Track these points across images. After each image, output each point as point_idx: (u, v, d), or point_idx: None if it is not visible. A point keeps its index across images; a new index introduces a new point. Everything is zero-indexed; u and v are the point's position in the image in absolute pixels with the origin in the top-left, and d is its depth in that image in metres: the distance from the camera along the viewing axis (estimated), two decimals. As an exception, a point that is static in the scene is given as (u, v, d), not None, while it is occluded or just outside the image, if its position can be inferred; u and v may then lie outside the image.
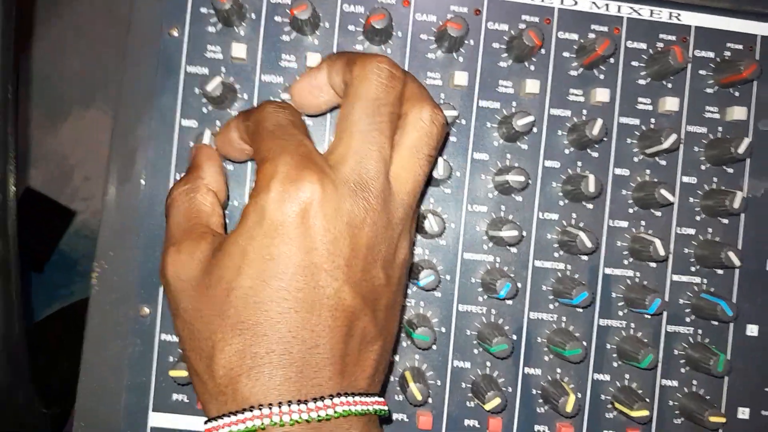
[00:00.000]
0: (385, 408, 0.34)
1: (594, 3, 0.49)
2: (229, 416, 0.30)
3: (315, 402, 0.30)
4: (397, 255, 0.36)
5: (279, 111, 0.36)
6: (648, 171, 0.49)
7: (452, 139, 0.48)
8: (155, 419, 0.46)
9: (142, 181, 0.46)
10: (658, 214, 0.49)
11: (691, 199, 0.49)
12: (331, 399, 0.31)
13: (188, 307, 0.34)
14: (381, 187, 0.34)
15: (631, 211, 0.49)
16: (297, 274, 0.31)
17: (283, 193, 0.31)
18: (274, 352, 0.31)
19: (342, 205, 0.32)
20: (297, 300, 0.31)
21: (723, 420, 0.46)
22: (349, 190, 0.33)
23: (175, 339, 0.46)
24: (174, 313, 0.35)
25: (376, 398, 0.34)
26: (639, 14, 0.49)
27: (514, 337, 0.48)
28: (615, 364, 0.48)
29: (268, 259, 0.31)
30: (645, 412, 0.45)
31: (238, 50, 0.46)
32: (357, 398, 0.32)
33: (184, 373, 0.43)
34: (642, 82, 0.49)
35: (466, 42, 0.48)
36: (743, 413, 0.50)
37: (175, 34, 0.47)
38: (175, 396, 0.46)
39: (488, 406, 0.44)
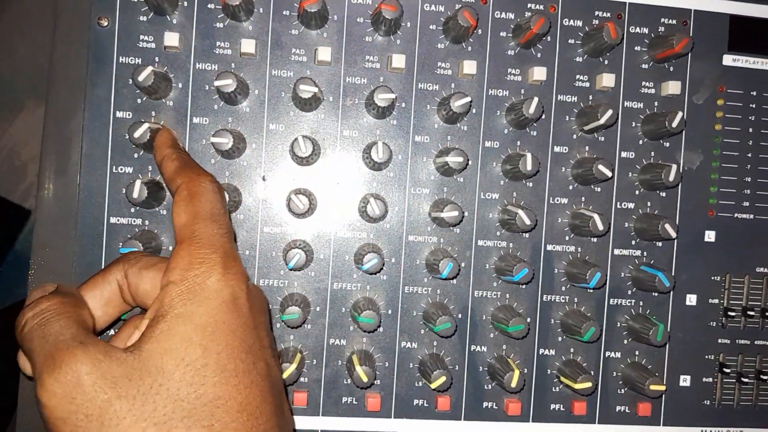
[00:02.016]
0: None
1: (529, -18, 0.49)
2: None
3: None
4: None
5: (217, 192, 0.38)
6: (587, 148, 0.50)
7: (393, 122, 0.48)
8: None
9: (78, 175, 0.46)
10: (598, 189, 0.50)
11: (630, 174, 0.50)
12: None
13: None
14: None
15: (570, 187, 0.49)
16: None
17: (226, 278, 0.34)
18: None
19: (256, 291, 0.38)
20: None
21: (663, 388, 0.47)
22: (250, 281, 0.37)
23: (118, 333, 0.46)
24: None
25: None
26: (574, -8, 0.50)
27: (460, 316, 0.48)
28: (559, 339, 0.49)
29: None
30: (588, 384, 0.46)
31: (171, 39, 0.46)
32: None
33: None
34: (579, 59, 0.50)
35: (402, 24, 0.48)
36: (685, 381, 0.51)
37: (105, 23, 0.46)
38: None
39: (434, 385, 0.45)
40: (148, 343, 0.30)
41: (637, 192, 0.50)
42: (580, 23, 0.49)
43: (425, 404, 0.48)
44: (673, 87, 0.50)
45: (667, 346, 0.51)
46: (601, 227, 0.46)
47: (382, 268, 0.47)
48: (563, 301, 0.49)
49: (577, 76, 0.50)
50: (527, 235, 0.49)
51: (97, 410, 0.28)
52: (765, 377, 0.51)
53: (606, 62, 0.50)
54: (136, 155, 0.46)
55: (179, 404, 0.29)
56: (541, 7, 0.49)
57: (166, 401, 0.28)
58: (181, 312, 0.31)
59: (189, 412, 0.29)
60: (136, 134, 0.43)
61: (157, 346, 0.30)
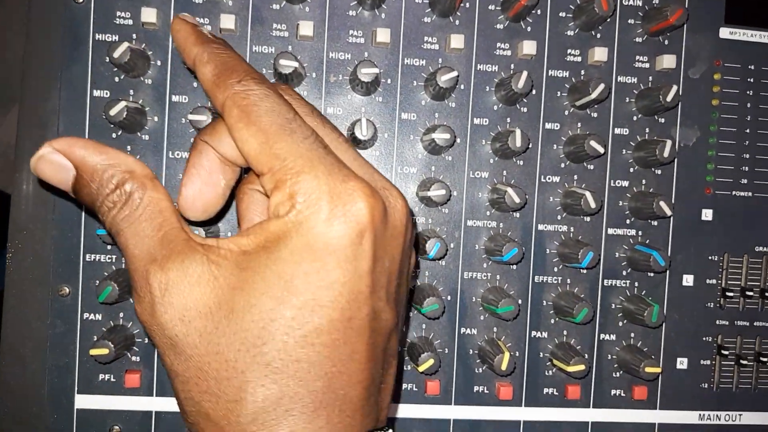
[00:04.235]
0: None
1: (518, -47, 0.48)
2: None
3: None
4: (413, 254, 0.34)
5: (273, 95, 0.29)
6: (579, 124, 0.48)
7: (378, 99, 0.47)
8: (81, 401, 0.45)
9: (55, 156, 0.44)
10: (591, 167, 0.48)
11: (624, 151, 0.49)
12: None
13: (197, 342, 0.27)
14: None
15: (563, 165, 0.48)
16: (351, 302, 0.27)
17: (337, 211, 0.26)
18: (317, 391, 0.26)
19: (389, 218, 0.28)
20: (347, 330, 0.27)
21: (658, 370, 0.46)
22: (387, 200, 0.29)
23: (98, 317, 0.45)
24: (168, 349, 0.27)
25: (390, 430, 0.31)
26: (565, -37, 0.48)
27: (449, 297, 0.47)
28: (552, 321, 0.48)
29: (320, 287, 0.26)
30: (581, 367, 0.45)
31: (149, 15, 0.44)
32: None
33: (105, 351, 0.41)
34: (570, 33, 0.48)
35: (387, -2, 0.46)
36: (682, 363, 0.50)
37: (80, 0, 0.44)
38: (101, 376, 0.45)
39: (422, 368, 0.43)
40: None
41: (631, 169, 0.49)
42: (571, -5, 0.48)
43: (414, 388, 0.47)
44: (668, 61, 0.48)
45: (663, 328, 0.49)
46: (593, 205, 0.45)
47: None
48: (555, 282, 0.48)
49: (569, 51, 0.48)
50: (518, 214, 0.47)
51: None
52: (764, 359, 0.49)
53: (598, 36, 0.48)
54: (114, 135, 0.45)
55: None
56: (531, -21, 0.47)
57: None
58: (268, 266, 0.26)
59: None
60: (113, 112, 0.42)
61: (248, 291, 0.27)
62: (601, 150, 0.45)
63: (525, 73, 0.44)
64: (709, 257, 0.50)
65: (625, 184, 0.49)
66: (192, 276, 0.26)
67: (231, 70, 0.29)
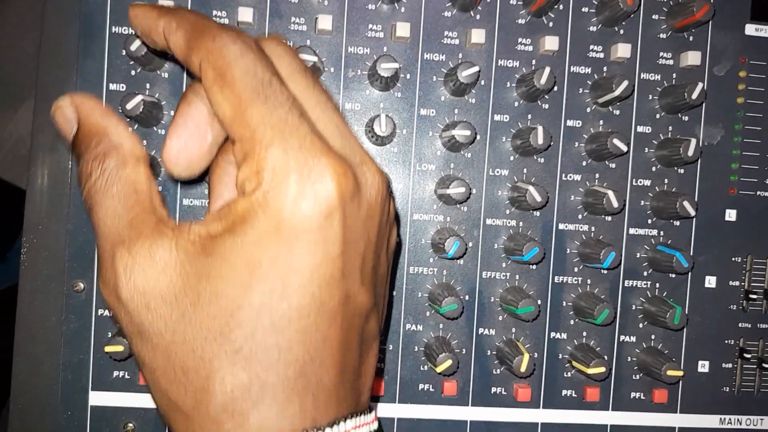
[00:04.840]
0: (379, 422, 0.30)
1: (541, -54, 0.47)
2: None
3: (331, 428, 0.26)
4: (393, 231, 0.32)
5: (251, 52, 0.26)
6: (601, 122, 0.47)
7: (397, 95, 0.46)
8: (95, 398, 0.44)
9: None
10: (613, 166, 0.47)
11: (647, 150, 0.48)
12: (345, 421, 0.26)
13: (162, 330, 0.26)
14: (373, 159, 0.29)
15: (584, 163, 0.47)
16: (321, 287, 0.25)
17: (304, 190, 0.25)
18: (289, 378, 0.25)
19: (363, 196, 0.27)
20: (318, 315, 0.26)
21: (680, 373, 0.45)
22: (362, 176, 0.27)
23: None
24: (135, 336, 0.26)
25: (374, 413, 0.29)
26: (588, -43, 0.47)
27: (467, 297, 0.46)
28: (572, 322, 0.47)
29: (288, 271, 0.25)
30: (601, 369, 0.44)
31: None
32: (363, 418, 0.28)
33: (120, 348, 0.41)
34: (593, 28, 0.47)
35: (407, -8, 0.45)
36: (703, 366, 0.49)
37: (97, -9, 0.44)
38: (115, 373, 0.44)
39: (440, 369, 0.43)
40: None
41: (653, 168, 0.48)
42: (594, -10, 0.47)
43: (431, 389, 0.46)
44: (692, 57, 0.47)
45: (685, 330, 0.48)
46: (615, 204, 0.44)
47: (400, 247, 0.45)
48: (576, 282, 0.47)
49: (591, 47, 0.47)
50: (538, 213, 0.47)
51: None
52: (788, 363, 0.48)
53: (621, 32, 0.47)
54: (130, 129, 0.44)
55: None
56: (554, -27, 0.47)
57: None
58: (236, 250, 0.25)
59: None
60: (129, 106, 0.41)
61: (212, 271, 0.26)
62: (624, 148, 0.44)
63: (548, 70, 0.43)
64: (732, 258, 0.49)
65: (648, 183, 0.48)
66: (159, 262, 0.26)
67: (203, 29, 0.27)
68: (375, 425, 0.28)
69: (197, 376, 0.25)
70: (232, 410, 0.25)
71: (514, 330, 0.47)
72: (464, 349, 0.46)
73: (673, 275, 0.48)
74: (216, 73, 0.26)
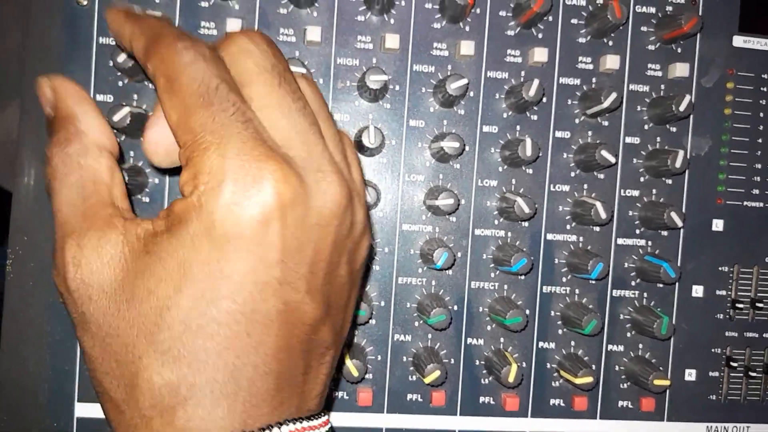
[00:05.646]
0: (331, 426, 0.30)
1: (530, -42, 0.47)
2: None
3: None
4: (362, 243, 0.31)
5: (200, 60, 0.26)
6: (590, 133, 0.47)
7: (386, 106, 0.46)
8: (82, 409, 0.44)
9: (57, 161, 0.44)
10: (601, 176, 0.48)
11: (635, 160, 0.48)
12: (280, 427, 0.26)
13: (100, 322, 0.26)
14: (338, 167, 0.28)
15: (572, 174, 0.47)
16: (253, 293, 0.25)
17: (239, 195, 0.24)
18: (217, 381, 0.25)
19: (312, 204, 0.26)
20: (250, 322, 0.25)
21: (667, 383, 0.45)
22: (314, 183, 0.26)
23: (100, 325, 0.44)
24: (79, 324, 0.27)
25: (324, 418, 0.29)
26: (577, -32, 0.47)
27: (456, 307, 0.46)
28: (560, 332, 0.47)
29: (219, 277, 0.25)
30: (589, 379, 0.44)
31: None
32: (306, 423, 0.28)
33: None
34: (582, 40, 0.47)
35: (397, 3, 0.45)
36: (690, 375, 0.49)
37: (85, 2, 0.44)
38: (103, 384, 0.44)
39: (428, 380, 0.43)
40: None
41: (642, 179, 0.48)
42: (583, 2, 0.47)
43: (419, 399, 0.46)
44: (680, 69, 0.47)
45: (672, 339, 0.49)
46: (604, 215, 0.44)
47: (374, 258, 0.45)
48: (564, 292, 0.47)
49: (580, 58, 0.47)
50: (526, 223, 0.47)
51: None
52: (773, 372, 0.49)
53: (610, 43, 0.47)
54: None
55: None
56: (543, -16, 0.47)
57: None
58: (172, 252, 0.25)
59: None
60: (116, 118, 0.41)
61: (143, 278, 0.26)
62: (613, 159, 0.44)
63: (537, 81, 0.43)
64: (720, 268, 0.49)
65: (636, 193, 0.48)
66: (104, 256, 0.26)
67: (158, 37, 0.27)
68: (323, 430, 0.29)
69: (128, 370, 0.26)
70: (161, 408, 0.25)
71: (502, 340, 0.47)
72: (453, 359, 0.47)
73: (661, 285, 0.48)
74: (165, 81, 0.26)
